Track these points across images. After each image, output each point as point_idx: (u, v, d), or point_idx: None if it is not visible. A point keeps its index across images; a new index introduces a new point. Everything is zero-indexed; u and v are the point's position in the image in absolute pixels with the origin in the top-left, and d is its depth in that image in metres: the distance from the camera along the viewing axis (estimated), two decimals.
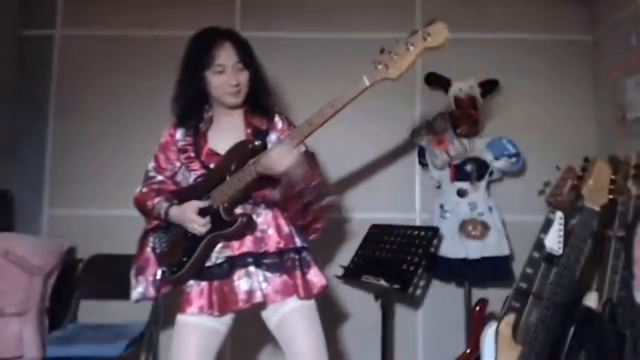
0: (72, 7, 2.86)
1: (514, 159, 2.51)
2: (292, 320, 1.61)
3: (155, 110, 2.72)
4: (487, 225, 2.45)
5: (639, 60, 2.30)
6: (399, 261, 2.20)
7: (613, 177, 2.01)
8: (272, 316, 1.64)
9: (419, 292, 2.67)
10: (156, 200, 1.69)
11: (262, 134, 1.68)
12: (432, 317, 2.67)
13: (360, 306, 2.60)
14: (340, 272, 2.44)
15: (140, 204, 1.74)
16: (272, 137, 1.70)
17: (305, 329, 1.61)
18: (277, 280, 1.60)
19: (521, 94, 2.71)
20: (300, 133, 1.53)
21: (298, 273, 1.62)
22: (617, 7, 2.51)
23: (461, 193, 2.50)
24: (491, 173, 2.54)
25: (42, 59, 2.82)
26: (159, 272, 1.63)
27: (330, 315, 2.64)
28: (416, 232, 2.30)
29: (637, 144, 2.26)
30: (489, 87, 2.60)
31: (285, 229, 1.67)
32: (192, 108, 1.72)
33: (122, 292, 2.59)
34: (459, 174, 2.52)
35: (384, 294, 2.27)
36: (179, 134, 1.73)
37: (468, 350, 2.18)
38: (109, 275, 2.62)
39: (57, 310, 2.45)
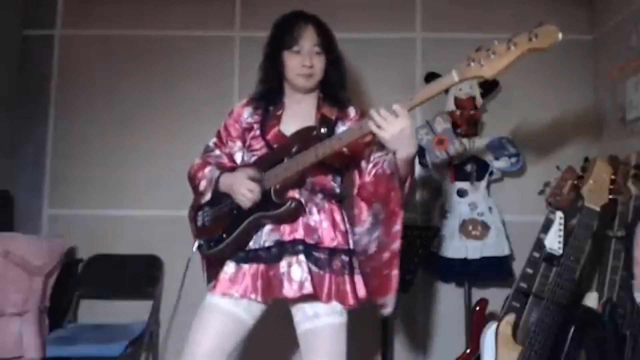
0: (72, 7, 2.85)
1: (514, 159, 2.50)
2: (321, 336, 1.52)
3: (156, 110, 2.76)
4: (487, 225, 2.45)
5: (639, 60, 2.30)
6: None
7: (613, 177, 2.01)
8: (302, 323, 1.54)
9: (419, 292, 2.67)
10: (208, 168, 1.65)
11: (329, 123, 1.60)
12: (432, 317, 2.67)
13: (360, 306, 2.59)
14: None
15: (191, 176, 1.71)
16: (342, 128, 1.61)
17: (329, 349, 1.52)
18: (324, 277, 1.50)
19: (521, 94, 2.71)
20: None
21: (347, 278, 1.52)
22: (617, 7, 2.51)
23: (461, 193, 2.50)
24: (491, 173, 2.54)
25: (42, 59, 2.82)
26: (196, 245, 1.62)
27: None
28: (416, 232, 2.30)
29: (637, 144, 2.26)
30: (489, 87, 2.60)
31: (342, 226, 1.58)
32: (269, 91, 1.68)
33: (122, 292, 2.64)
34: (459, 174, 2.52)
35: None
36: (247, 113, 1.69)
37: (468, 350, 2.18)
38: (109, 275, 2.63)
39: (57, 310, 2.45)
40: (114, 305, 2.65)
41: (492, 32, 2.73)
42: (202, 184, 1.65)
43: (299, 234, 1.51)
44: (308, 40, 1.61)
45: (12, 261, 2.22)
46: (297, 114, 1.65)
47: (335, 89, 1.67)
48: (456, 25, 2.76)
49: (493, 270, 2.43)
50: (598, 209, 1.98)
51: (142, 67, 2.79)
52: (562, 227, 2.01)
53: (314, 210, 1.56)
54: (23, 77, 2.80)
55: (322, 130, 1.55)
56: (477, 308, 2.21)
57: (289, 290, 1.46)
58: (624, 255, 2.04)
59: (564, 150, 2.56)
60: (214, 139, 1.76)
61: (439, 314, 2.65)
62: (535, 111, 2.69)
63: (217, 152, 1.74)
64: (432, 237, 2.26)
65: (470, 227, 2.45)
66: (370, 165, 1.57)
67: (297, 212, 1.52)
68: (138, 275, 2.60)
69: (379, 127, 1.37)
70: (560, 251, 1.98)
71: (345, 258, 1.54)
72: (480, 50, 1.33)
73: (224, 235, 1.57)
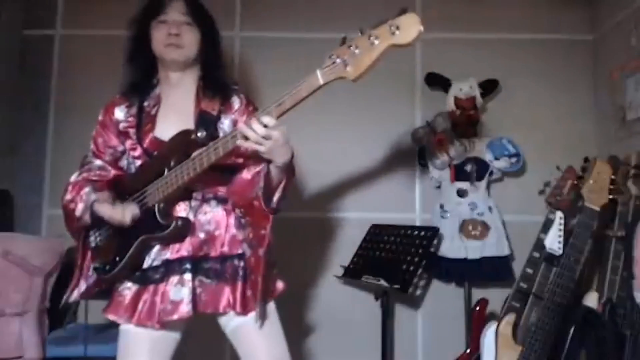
0: (72, 7, 2.85)
1: (514, 159, 2.51)
2: (252, 328, 1.44)
3: None
4: (487, 225, 2.45)
5: (639, 60, 2.31)
6: (399, 261, 2.20)
7: (613, 177, 2.01)
8: (227, 324, 1.48)
9: (419, 292, 2.67)
10: (85, 190, 1.48)
11: (211, 121, 1.48)
12: (432, 317, 2.67)
13: (360, 306, 2.60)
14: (340, 272, 2.44)
15: (69, 199, 1.51)
16: (225, 122, 1.50)
17: (266, 337, 1.46)
18: (214, 288, 1.42)
19: (521, 94, 2.71)
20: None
21: (239, 285, 1.42)
22: (617, 7, 2.51)
23: (461, 193, 2.50)
24: (491, 173, 2.54)
25: (42, 59, 2.81)
26: (91, 269, 1.51)
27: (330, 315, 2.64)
28: (416, 232, 2.31)
29: (637, 144, 2.26)
30: (489, 87, 2.60)
31: (234, 230, 1.48)
32: (139, 81, 1.55)
33: None
34: (459, 174, 2.52)
35: (384, 294, 2.27)
36: (120, 113, 1.54)
37: (468, 350, 2.19)
38: None
39: (57, 310, 2.45)
40: None
41: (492, 32, 2.77)
42: (79, 209, 1.48)
43: (186, 251, 1.43)
44: (175, 10, 1.50)
45: (12, 261, 2.22)
46: (174, 109, 1.51)
47: (214, 70, 1.55)
48: (456, 25, 2.76)
49: (493, 270, 2.43)
50: (598, 209, 1.98)
51: None
52: (562, 227, 2.01)
53: (207, 218, 1.46)
54: (23, 77, 2.80)
55: (199, 134, 1.42)
56: (477, 308, 2.21)
57: (175, 313, 1.38)
58: (624, 255, 2.05)
59: (564, 150, 2.56)
60: (92, 146, 1.58)
61: (439, 314, 2.65)
62: (535, 111, 2.70)
63: (98, 162, 1.57)
64: (431, 237, 2.26)
65: (470, 227, 2.45)
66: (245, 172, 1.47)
67: (184, 231, 1.43)
68: None
69: (247, 139, 1.27)
70: (560, 251, 1.98)
71: (237, 263, 1.45)
72: (344, 46, 1.21)
73: (117, 259, 1.45)
